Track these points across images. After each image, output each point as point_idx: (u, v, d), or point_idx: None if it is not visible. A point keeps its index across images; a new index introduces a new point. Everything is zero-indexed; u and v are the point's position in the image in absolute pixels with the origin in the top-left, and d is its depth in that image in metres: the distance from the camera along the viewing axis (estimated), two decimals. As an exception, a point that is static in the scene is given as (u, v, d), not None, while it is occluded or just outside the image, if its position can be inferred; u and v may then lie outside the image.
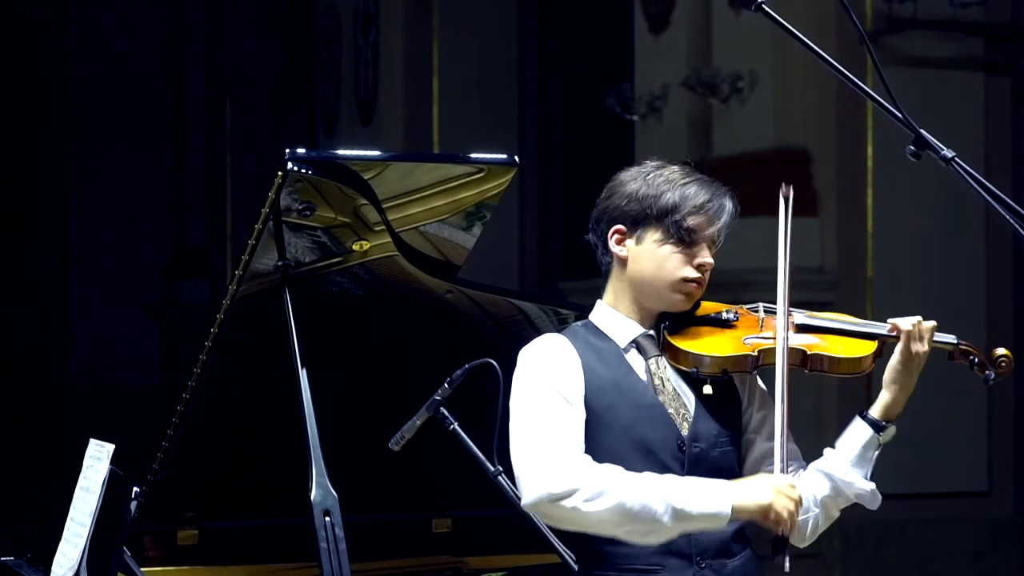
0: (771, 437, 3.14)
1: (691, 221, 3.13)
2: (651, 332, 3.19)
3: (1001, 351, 3.21)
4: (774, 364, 3.10)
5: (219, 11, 13.95)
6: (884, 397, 3.16)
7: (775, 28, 3.04)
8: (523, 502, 3.05)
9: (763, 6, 3.01)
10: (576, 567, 3.28)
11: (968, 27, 8.29)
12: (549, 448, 3.03)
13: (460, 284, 3.66)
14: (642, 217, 3.15)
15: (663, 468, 3.06)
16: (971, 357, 3.22)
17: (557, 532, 3.31)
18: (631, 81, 9.21)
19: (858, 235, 8.09)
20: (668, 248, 3.14)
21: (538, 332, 3.74)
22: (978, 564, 8.25)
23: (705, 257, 3.15)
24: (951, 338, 3.22)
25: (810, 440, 4.07)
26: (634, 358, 3.17)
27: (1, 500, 10.20)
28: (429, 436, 3.53)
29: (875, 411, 3.16)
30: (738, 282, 7.20)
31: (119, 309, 14.17)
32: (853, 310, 3.18)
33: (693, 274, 3.14)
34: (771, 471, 3.10)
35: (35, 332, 14.51)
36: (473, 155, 3.52)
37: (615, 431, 3.09)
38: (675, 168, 3.20)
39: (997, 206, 2.85)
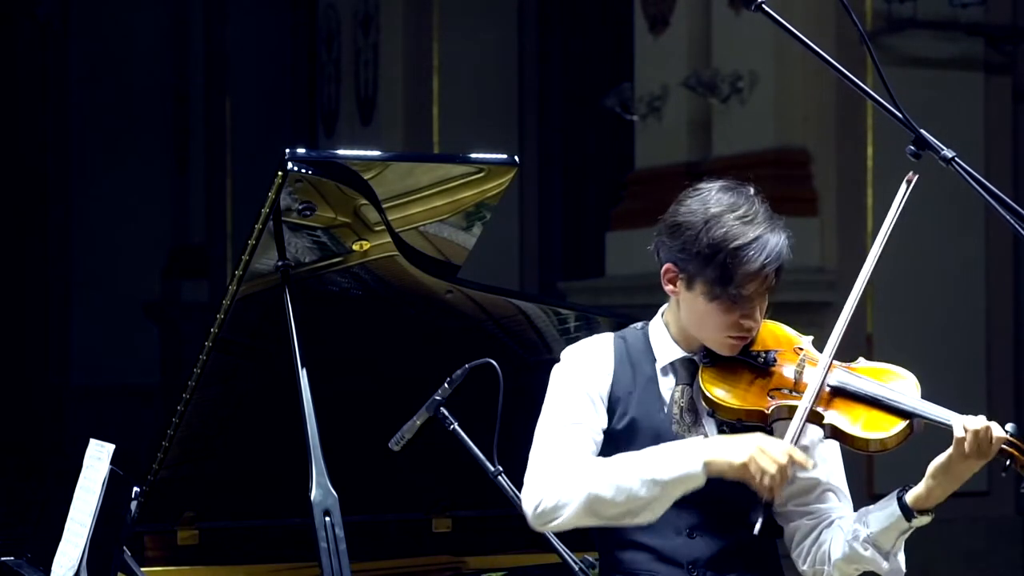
0: (808, 475, 3.08)
1: (742, 290, 3.03)
2: (692, 356, 3.14)
3: None
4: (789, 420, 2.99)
5: (219, 11, 13.95)
6: (923, 487, 3.01)
7: (775, 28, 3.04)
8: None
9: (763, 6, 3.01)
10: (575, 568, 3.29)
11: (968, 27, 8.29)
12: (536, 470, 3.06)
13: (460, 284, 3.65)
14: (693, 267, 3.05)
15: None
16: (1006, 461, 2.94)
17: (559, 533, 3.32)
18: (631, 81, 9.20)
19: (858, 235, 8.07)
20: (714, 306, 3.06)
21: (538, 332, 3.76)
22: (978, 564, 8.24)
23: (753, 316, 3.06)
24: (1001, 432, 2.96)
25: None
26: (667, 380, 3.15)
27: (1, 500, 10.20)
28: (429, 436, 3.53)
29: (911, 497, 3.01)
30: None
31: (119, 309, 14.15)
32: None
33: (736, 332, 3.07)
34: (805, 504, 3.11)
35: (35, 332, 14.49)
36: (473, 155, 3.51)
37: (621, 445, 3.08)
38: (737, 214, 3.03)
39: (997, 206, 2.85)
